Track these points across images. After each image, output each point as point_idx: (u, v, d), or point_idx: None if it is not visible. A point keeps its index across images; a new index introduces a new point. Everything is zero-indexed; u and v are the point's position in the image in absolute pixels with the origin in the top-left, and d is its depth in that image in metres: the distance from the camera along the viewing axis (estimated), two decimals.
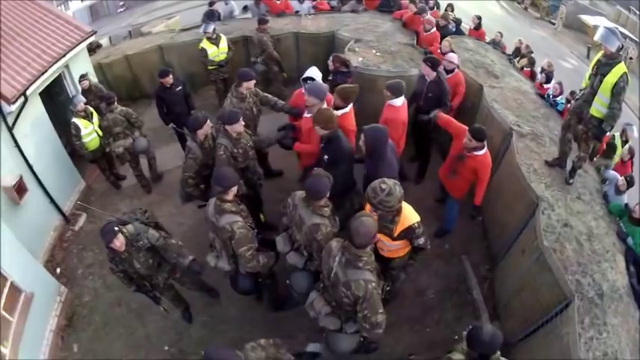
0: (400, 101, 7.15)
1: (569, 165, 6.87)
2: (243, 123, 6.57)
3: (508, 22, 23.11)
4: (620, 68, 5.63)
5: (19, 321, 6.87)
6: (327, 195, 5.12)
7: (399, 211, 5.02)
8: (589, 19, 23.02)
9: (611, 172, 7.72)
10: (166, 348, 7.30)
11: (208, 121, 6.77)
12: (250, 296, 6.97)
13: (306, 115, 6.71)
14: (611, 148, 9.65)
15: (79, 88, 10.28)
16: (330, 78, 8.60)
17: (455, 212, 7.82)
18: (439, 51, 9.78)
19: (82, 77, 10.06)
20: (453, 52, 9.25)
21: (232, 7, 14.88)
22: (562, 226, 5.96)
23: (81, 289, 8.47)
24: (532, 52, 13.51)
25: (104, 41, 15.71)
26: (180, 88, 9.53)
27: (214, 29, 11.04)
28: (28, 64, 8.83)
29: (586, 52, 20.84)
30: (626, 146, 9.35)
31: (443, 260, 7.54)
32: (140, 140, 9.57)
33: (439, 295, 7.05)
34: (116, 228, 5.60)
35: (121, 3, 29.05)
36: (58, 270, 8.85)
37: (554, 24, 25.23)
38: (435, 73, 7.90)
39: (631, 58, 19.66)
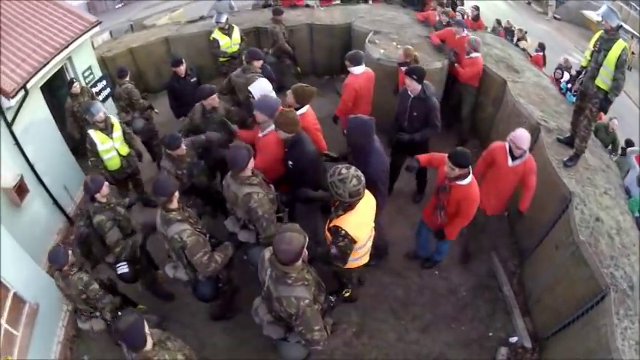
0: (358, 70, 7.58)
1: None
2: (184, 148, 6.50)
3: (513, 16, 22.11)
4: (620, 43, 5.99)
5: (25, 334, 6.23)
6: (250, 165, 5.16)
7: (350, 206, 4.76)
8: (592, 15, 22.29)
9: (634, 163, 8.51)
10: None
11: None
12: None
13: (260, 134, 6.17)
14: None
15: (94, 91, 9.79)
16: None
17: (446, 246, 6.92)
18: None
19: (72, 81, 9.19)
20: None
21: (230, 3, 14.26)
22: (594, 221, 5.97)
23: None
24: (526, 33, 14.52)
25: (105, 36, 14.99)
26: (195, 79, 9.05)
27: (227, 19, 10.51)
28: (29, 55, 8.14)
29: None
30: None
31: (474, 257, 7.39)
32: (136, 121, 9.22)
33: (471, 292, 6.93)
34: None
35: None
36: None
37: (558, 19, 25.02)
38: (419, 87, 6.86)
39: (633, 53, 19.76)
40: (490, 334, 6.57)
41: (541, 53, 13.68)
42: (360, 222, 4.87)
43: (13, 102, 7.43)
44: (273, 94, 6.53)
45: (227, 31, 10.44)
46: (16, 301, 6.30)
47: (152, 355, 4.08)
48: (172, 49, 12.57)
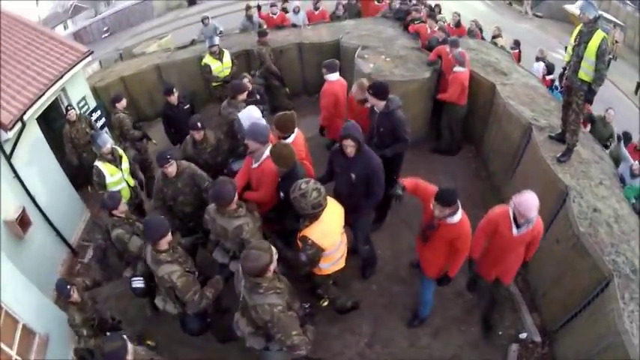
0: (334, 77, 7.93)
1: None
2: (173, 166, 6.33)
3: (493, 18, 22.52)
4: (599, 34, 6.07)
5: None
6: (236, 197, 5.15)
7: (314, 217, 4.89)
8: (573, 8, 22.44)
9: (626, 154, 8.34)
10: None
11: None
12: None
13: (254, 165, 5.94)
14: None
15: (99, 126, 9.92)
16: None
17: (430, 295, 6.35)
18: None
19: (67, 109, 9.19)
20: None
21: (214, 26, 13.96)
22: (592, 212, 6.07)
23: None
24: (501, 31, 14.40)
25: (95, 65, 14.95)
26: (187, 106, 9.02)
27: (218, 45, 10.55)
28: (24, 87, 8.13)
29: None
30: None
31: (494, 329, 6.92)
32: (127, 151, 8.86)
33: (477, 294, 6.84)
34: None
35: (105, 28, 28.67)
36: None
37: (540, 16, 25.12)
38: (383, 103, 6.63)
39: (616, 42, 20.19)
40: (500, 332, 6.57)
41: (517, 50, 13.72)
42: (325, 230, 4.96)
43: (11, 134, 7.39)
44: (263, 120, 6.32)
45: (218, 56, 10.44)
46: (25, 332, 6.17)
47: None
48: (164, 76, 12.54)
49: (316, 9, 14.40)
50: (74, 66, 9.37)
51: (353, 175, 5.73)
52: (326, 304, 5.80)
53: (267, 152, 5.63)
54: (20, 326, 6.07)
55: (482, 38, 13.11)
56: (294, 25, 13.63)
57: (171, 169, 6.29)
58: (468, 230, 5.24)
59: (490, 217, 5.47)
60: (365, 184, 5.80)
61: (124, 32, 27.70)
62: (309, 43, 11.99)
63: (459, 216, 5.11)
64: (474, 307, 6.84)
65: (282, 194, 5.63)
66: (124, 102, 9.17)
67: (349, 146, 5.56)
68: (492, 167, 8.93)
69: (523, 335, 6.42)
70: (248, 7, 14.05)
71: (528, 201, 4.92)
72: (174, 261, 5.13)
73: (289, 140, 6.06)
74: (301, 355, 4.55)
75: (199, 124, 7.04)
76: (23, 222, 7.54)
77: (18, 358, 5.81)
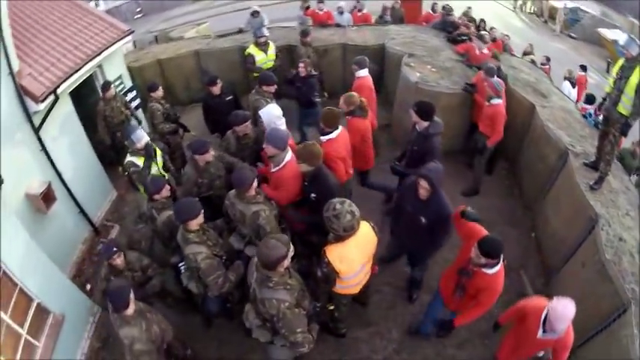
0: (365, 72, 8.06)
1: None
2: (212, 153, 6.39)
3: (528, 34, 22.03)
4: None
5: (47, 346, 5.93)
6: (255, 183, 5.26)
7: (341, 238, 4.68)
8: (607, 33, 22.19)
9: None
10: None
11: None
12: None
13: (272, 169, 5.90)
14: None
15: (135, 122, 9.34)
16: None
17: (436, 314, 6.02)
18: None
19: (109, 84, 8.84)
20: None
21: (263, 18, 13.60)
22: (618, 241, 6.07)
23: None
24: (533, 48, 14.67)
25: (129, 45, 14.52)
26: (230, 97, 8.64)
27: (266, 36, 10.25)
28: (58, 60, 7.80)
29: (606, 66, 19.85)
30: None
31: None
32: (156, 144, 8.29)
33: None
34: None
35: (138, 9, 28.26)
36: (88, 286, 7.84)
37: (574, 38, 24.44)
38: (426, 124, 6.43)
39: None
40: None
41: (547, 66, 13.51)
42: (344, 256, 4.75)
43: (42, 106, 7.10)
44: (282, 120, 6.36)
45: (263, 47, 10.13)
46: (39, 311, 5.99)
47: (131, 319, 4.68)
48: (203, 63, 12.32)
49: (359, 10, 14.21)
50: (114, 43, 9.06)
51: (423, 219, 5.44)
52: (332, 308, 5.82)
53: (287, 158, 5.69)
54: (34, 305, 5.90)
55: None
56: (338, 25, 13.31)
57: (211, 153, 6.32)
58: (499, 287, 4.86)
59: (523, 306, 5.14)
60: (431, 229, 5.50)
61: (156, 15, 27.30)
62: (353, 45, 11.65)
63: (496, 269, 4.75)
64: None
65: (313, 196, 5.63)
66: (159, 92, 8.72)
67: (423, 188, 5.26)
68: (525, 186, 8.82)
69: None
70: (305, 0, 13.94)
71: (562, 310, 4.51)
72: (202, 242, 5.16)
73: (332, 135, 6.20)
74: (303, 353, 4.59)
75: (244, 118, 6.80)
76: (47, 197, 7.25)
77: (28, 337, 5.65)
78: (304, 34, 10.51)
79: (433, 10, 14.32)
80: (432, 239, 5.62)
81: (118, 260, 5.71)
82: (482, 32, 12.31)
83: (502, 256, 4.70)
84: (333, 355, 6.36)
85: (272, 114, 6.32)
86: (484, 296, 4.94)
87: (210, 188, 6.58)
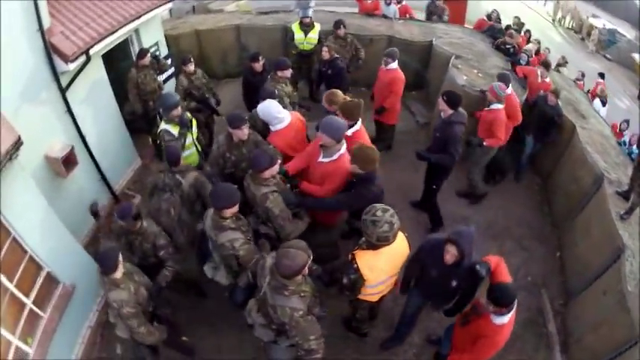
0: (396, 65, 8.15)
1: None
2: (246, 128, 6.08)
3: (566, 50, 21.56)
4: None
5: (53, 317, 5.68)
6: (271, 167, 5.17)
7: (374, 247, 4.47)
8: None
9: None
10: None
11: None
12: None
13: (322, 159, 5.58)
14: None
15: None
16: (324, 69, 8.84)
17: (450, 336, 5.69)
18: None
19: (145, 51, 8.49)
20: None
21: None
22: None
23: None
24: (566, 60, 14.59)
25: (165, 14, 14.03)
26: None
27: (311, 18, 9.85)
28: (93, 20, 7.35)
29: (637, 92, 19.25)
30: None
31: (527, 292, 7.28)
32: None
33: (521, 326, 6.73)
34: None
35: None
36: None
37: (609, 59, 23.87)
38: (451, 112, 6.53)
39: None
40: None
41: (581, 82, 13.52)
42: (375, 265, 4.59)
43: (72, 67, 6.70)
44: (281, 114, 6.16)
45: (305, 27, 9.76)
46: (48, 280, 5.73)
47: (120, 282, 4.69)
48: (242, 39, 11.98)
49: (398, 2, 13.64)
50: (154, 9, 8.64)
51: (454, 282, 4.91)
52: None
53: (341, 150, 5.44)
54: (44, 273, 5.64)
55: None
56: (385, 16, 12.78)
57: (245, 130, 6.05)
58: (501, 341, 4.50)
59: None
60: (455, 292, 5.13)
61: None
62: (400, 39, 11.15)
63: (505, 319, 4.39)
64: (516, 339, 6.44)
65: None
66: (190, 66, 8.31)
67: (450, 253, 4.62)
68: (556, 205, 8.64)
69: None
70: None
71: None
72: (237, 228, 4.98)
73: (356, 127, 6.04)
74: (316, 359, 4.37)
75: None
76: (68, 161, 6.90)
77: (33, 307, 5.41)
78: (338, 25, 9.71)
79: (489, 17, 13.92)
80: (465, 297, 5.20)
81: (133, 223, 5.37)
82: (530, 45, 11.87)
83: (514, 305, 4.36)
84: (354, 355, 6.27)
85: (269, 112, 6.16)
86: (481, 345, 4.55)
87: (235, 167, 6.35)
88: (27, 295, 5.30)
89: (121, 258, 4.69)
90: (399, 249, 4.69)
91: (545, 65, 9.25)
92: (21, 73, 6.12)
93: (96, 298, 6.71)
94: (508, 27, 13.26)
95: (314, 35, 9.85)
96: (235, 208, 4.89)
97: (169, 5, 9.45)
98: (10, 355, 4.89)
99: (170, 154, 5.96)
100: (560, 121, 8.24)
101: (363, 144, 5.31)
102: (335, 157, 5.42)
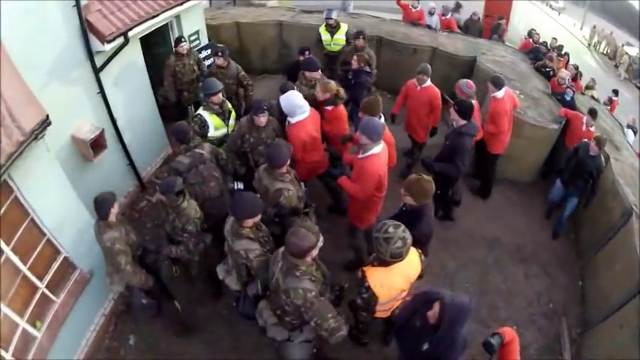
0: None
1: None
2: (265, 117, 6.26)
3: (599, 75, 21.90)
4: None
5: (66, 302, 5.54)
6: (287, 162, 5.27)
7: (386, 263, 4.33)
8: None
9: None
10: None
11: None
12: None
13: (361, 155, 5.58)
14: None
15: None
16: (350, 77, 8.32)
17: None
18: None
19: (180, 39, 8.29)
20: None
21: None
22: None
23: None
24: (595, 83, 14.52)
25: (205, 3, 13.88)
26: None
27: (336, 19, 9.70)
28: (135, 1, 7.16)
29: None
30: None
31: (547, 318, 7.22)
32: None
33: (539, 352, 6.77)
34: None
35: None
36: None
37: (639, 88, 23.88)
38: (462, 122, 6.48)
39: None
40: None
41: (615, 100, 14.17)
42: (386, 283, 4.49)
43: (108, 47, 6.48)
44: (303, 106, 6.16)
45: (331, 29, 9.70)
46: (65, 265, 5.61)
47: (113, 225, 5.06)
48: (284, 36, 11.83)
49: (443, 14, 13.80)
50: None
51: (425, 346, 4.29)
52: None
53: (374, 150, 5.42)
54: (61, 258, 5.52)
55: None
56: (429, 27, 12.59)
57: (263, 119, 6.23)
58: None
59: None
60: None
61: None
62: (444, 51, 10.96)
63: None
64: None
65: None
66: (220, 60, 8.09)
67: (433, 312, 4.07)
68: (583, 234, 8.44)
69: None
70: None
71: None
72: (256, 239, 4.87)
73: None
74: (343, 337, 4.39)
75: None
76: (97, 144, 6.71)
77: (45, 290, 5.30)
78: (358, 35, 9.13)
79: (533, 40, 13.94)
80: None
81: (175, 199, 5.40)
82: (564, 73, 11.41)
83: None
84: (364, 356, 6.18)
85: (293, 102, 6.13)
86: None
87: (252, 149, 6.50)
88: (41, 278, 5.19)
89: (115, 205, 5.06)
90: (411, 264, 4.57)
91: (593, 114, 8.59)
92: (53, 48, 5.92)
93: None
94: (550, 49, 13.26)
95: (340, 36, 9.71)
96: (257, 218, 4.82)
97: None
98: (15, 337, 4.78)
99: (181, 132, 5.93)
100: (598, 178, 7.68)
101: (421, 177, 5.05)
102: (367, 154, 5.42)
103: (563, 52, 14.51)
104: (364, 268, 4.53)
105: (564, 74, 9.48)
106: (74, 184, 5.60)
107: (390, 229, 4.21)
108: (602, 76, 22.19)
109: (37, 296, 5.13)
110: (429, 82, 7.76)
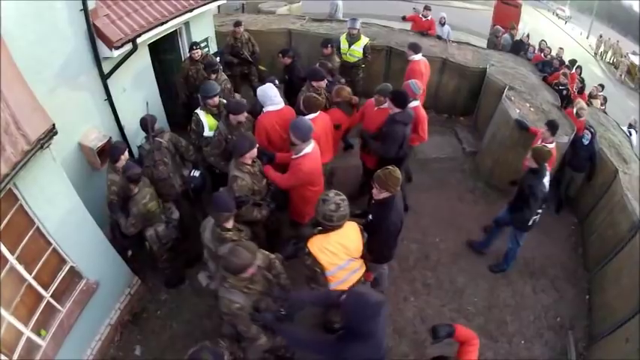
0: (419, 57, 8.60)
1: None
2: (245, 115, 6.46)
3: (606, 86, 21.10)
4: None
5: (72, 311, 5.45)
6: (250, 151, 5.44)
7: (325, 230, 4.63)
8: None
9: None
10: None
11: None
12: None
13: (294, 156, 5.82)
14: None
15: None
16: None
17: None
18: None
19: (195, 45, 8.37)
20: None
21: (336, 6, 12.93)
22: None
23: (159, 283, 7.14)
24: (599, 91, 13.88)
25: (213, 9, 13.83)
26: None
27: (359, 30, 9.62)
28: (143, 7, 7.10)
29: None
30: None
31: (554, 332, 7.16)
32: None
33: None
34: None
35: None
36: (129, 252, 7.08)
37: None
38: (397, 110, 6.59)
39: None
40: None
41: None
42: (325, 247, 4.65)
43: (116, 54, 6.41)
44: (275, 98, 6.45)
45: (351, 39, 9.56)
46: (71, 275, 5.53)
47: (118, 169, 5.75)
48: (294, 44, 11.66)
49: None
50: (208, 3, 8.48)
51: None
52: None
53: (306, 149, 5.67)
54: (67, 267, 5.42)
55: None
56: (439, 37, 12.58)
57: (242, 117, 6.38)
58: None
59: None
60: None
61: None
62: (454, 62, 10.93)
63: None
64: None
65: (370, 218, 5.40)
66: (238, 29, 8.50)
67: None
68: (590, 248, 8.34)
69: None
70: None
71: None
72: (239, 241, 4.90)
73: (311, 116, 6.27)
74: (263, 348, 4.63)
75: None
76: (104, 152, 6.58)
77: (51, 300, 5.22)
78: (325, 43, 9.20)
79: (544, 53, 13.97)
80: None
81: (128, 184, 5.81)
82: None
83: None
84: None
85: (266, 93, 6.41)
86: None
87: None
88: (47, 287, 5.11)
89: (125, 154, 5.91)
90: (349, 235, 4.74)
91: (552, 127, 7.79)
92: (59, 55, 5.84)
93: (119, 297, 6.45)
94: (562, 64, 13.18)
95: (357, 48, 9.52)
96: (232, 213, 4.95)
97: (223, 0, 9.25)
98: (20, 345, 4.71)
99: (141, 123, 6.43)
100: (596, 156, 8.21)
101: (389, 169, 5.16)
102: (299, 155, 5.67)
103: (575, 66, 14.36)
104: (309, 239, 4.70)
105: (583, 105, 8.87)
106: (80, 191, 5.49)
107: (330, 194, 4.53)
108: (611, 88, 22.22)
109: (43, 305, 5.06)
110: (415, 57, 8.35)
